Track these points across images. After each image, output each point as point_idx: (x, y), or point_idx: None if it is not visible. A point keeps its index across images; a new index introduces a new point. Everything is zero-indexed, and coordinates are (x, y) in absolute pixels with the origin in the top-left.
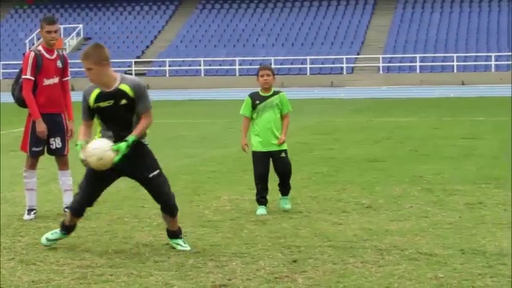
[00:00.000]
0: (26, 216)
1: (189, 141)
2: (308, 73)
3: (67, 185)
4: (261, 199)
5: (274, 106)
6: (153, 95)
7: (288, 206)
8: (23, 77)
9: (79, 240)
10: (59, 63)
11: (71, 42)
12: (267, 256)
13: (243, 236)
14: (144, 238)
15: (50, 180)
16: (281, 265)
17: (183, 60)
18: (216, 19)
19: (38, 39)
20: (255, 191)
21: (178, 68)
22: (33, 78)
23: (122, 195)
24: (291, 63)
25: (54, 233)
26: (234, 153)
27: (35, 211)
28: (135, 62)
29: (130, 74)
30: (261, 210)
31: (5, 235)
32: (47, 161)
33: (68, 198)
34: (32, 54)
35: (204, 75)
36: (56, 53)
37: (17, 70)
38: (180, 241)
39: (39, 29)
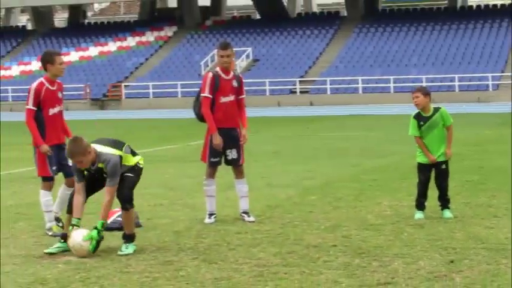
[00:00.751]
0: (207, 220)
1: (352, 152)
2: (456, 90)
3: (243, 192)
4: (420, 205)
5: (438, 124)
6: (316, 111)
7: (449, 215)
8: (202, 95)
9: (255, 241)
10: (235, 83)
11: (241, 64)
12: (426, 257)
13: (403, 238)
14: (314, 240)
15: (227, 188)
16: (439, 265)
17: (343, 79)
18: (372, 41)
19: (212, 61)
20: (414, 197)
21: (339, 86)
22: (211, 96)
23: (292, 201)
24: (441, 81)
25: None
26: (393, 163)
27: (215, 215)
28: (299, 81)
29: (295, 92)
30: (419, 215)
31: (189, 237)
32: (223, 170)
33: (244, 204)
34: (210, 74)
35: (362, 92)
36: (232, 73)
37: (193, 89)
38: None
39: (214, 51)
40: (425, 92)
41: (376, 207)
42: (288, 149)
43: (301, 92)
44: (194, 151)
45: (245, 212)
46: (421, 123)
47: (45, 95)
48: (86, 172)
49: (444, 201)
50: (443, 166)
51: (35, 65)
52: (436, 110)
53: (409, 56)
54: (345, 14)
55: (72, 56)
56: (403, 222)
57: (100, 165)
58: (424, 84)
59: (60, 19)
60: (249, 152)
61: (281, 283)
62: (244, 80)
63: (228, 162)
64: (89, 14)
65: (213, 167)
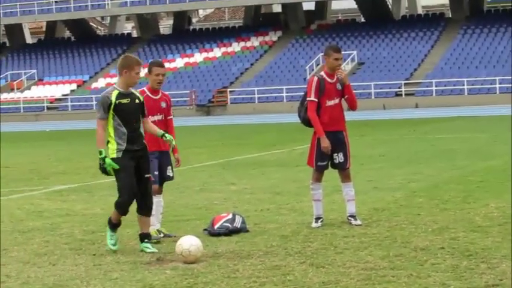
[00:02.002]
0: (313, 224)
1: (459, 154)
2: None
3: (350, 196)
4: None
5: None
6: (421, 113)
7: None
8: (308, 99)
9: (362, 245)
10: (339, 86)
11: (346, 67)
12: None
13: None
14: (421, 242)
15: (333, 192)
16: None
17: (448, 81)
18: (477, 42)
19: (317, 65)
20: None
21: (444, 87)
22: (316, 100)
23: (399, 204)
24: None
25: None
26: (500, 165)
27: (321, 219)
28: (405, 84)
29: (401, 94)
30: None
31: (296, 241)
32: (328, 173)
33: (351, 208)
34: (315, 78)
35: (467, 93)
36: (335, 77)
37: (299, 94)
38: (148, 244)
39: (319, 55)
40: None
41: (484, 209)
42: (394, 151)
43: (406, 94)
44: (299, 156)
45: (352, 216)
46: None
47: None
48: (119, 102)
49: None
50: None
51: (140, 72)
52: None
53: None
54: (450, 15)
55: (178, 62)
56: (511, 223)
57: (134, 91)
58: None
59: (165, 26)
60: (355, 155)
61: (389, 286)
62: (349, 83)
63: (335, 165)
64: (194, 20)
65: (320, 171)
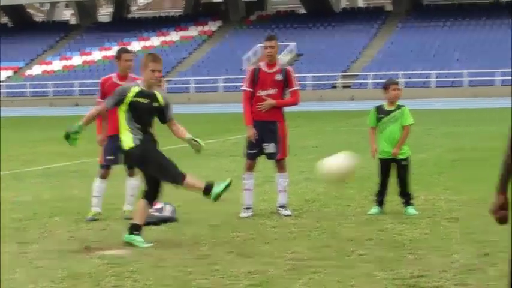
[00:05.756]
0: (242, 214)
1: None
2: (497, 84)
3: (282, 186)
4: (377, 201)
5: (396, 120)
6: (356, 105)
7: (412, 212)
8: (241, 88)
9: (291, 235)
10: (279, 76)
11: (284, 58)
12: (461, 250)
13: (439, 231)
14: (349, 234)
15: (264, 182)
16: (474, 258)
17: (385, 74)
18: (415, 36)
19: (254, 55)
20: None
21: (380, 80)
22: (249, 90)
23: (330, 195)
24: (483, 76)
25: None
26: (431, 158)
27: (251, 209)
28: (342, 76)
29: (337, 87)
30: (374, 210)
31: (225, 231)
32: (260, 164)
33: (282, 198)
34: (251, 68)
35: (404, 87)
36: (277, 67)
37: (235, 84)
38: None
39: (257, 46)
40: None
41: (413, 201)
42: (328, 143)
43: (343, 86)
44: (233, 146)
45: (282, 206)
46: (381, 115)
47: (108, 89)
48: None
49: (404, 198)
50: (404, 163)
51: (77, 59)
52: (399, 106)
53: (451, 50)
54: (390, 8)
55: (114, 50)
56: (439, 215)
57: (157, 93)
58: (465, 79)
59: (104, 13)
60: (289, 146)
61: (315, 277)
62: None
63: (267, 156)
64: (134, 8)
65: (249, 159)
